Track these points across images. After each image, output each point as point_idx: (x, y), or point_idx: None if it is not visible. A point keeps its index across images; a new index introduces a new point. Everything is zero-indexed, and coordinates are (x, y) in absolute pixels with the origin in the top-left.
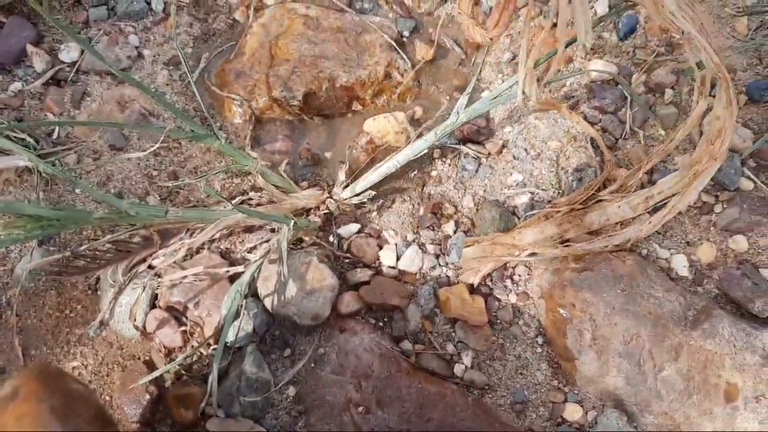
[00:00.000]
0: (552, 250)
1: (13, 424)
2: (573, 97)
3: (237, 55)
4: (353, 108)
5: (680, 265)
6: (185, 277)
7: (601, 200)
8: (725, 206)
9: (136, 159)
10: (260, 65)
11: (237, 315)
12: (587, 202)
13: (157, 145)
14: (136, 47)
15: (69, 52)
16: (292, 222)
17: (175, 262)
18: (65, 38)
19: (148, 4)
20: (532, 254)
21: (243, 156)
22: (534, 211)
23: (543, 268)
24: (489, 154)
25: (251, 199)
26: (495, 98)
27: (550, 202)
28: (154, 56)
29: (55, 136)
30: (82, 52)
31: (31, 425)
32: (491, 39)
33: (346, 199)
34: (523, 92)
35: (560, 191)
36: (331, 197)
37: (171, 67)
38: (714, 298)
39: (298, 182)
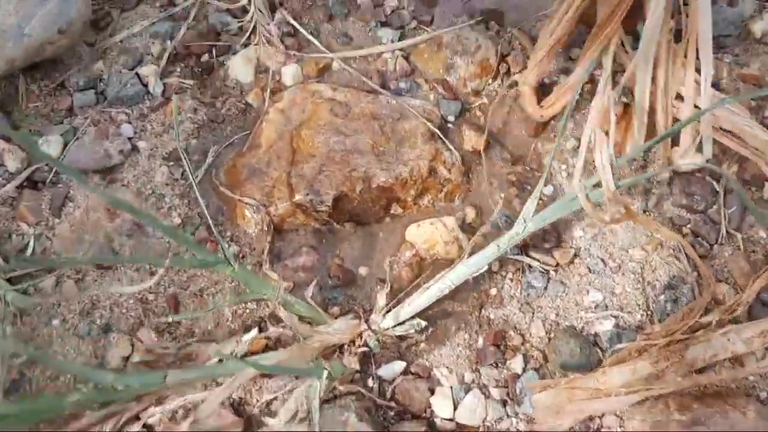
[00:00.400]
0: (644, 391)
1: None
2: (653, 192)
3: (251, 148)
4: (392, 211)
5: None
6: None
7: (704, 328)
8: None
9: (128, 280)
10: (279, 161)
11: None
12: (688, 334)
13: (153, 282)
14: (130, 138)
15: (49, 147)
16: (325, 373)
17: (174, 419)
18: (45, 129)
19: (145, 86)
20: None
21: (260, 281)
22: (621, 345)
23: (639, 420)
24: (558, 265)
25: (269, 332)
26: (571, 201)
27: (639, 329)
28: (152, 149)
29: (29, 251)
30: (65, 146)
31: None
32: (541, 116)
33: (387, 329)
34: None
35: (650, 314)
36: (369, 328)
37: (171, 163)
38: None
39: (328, 307)
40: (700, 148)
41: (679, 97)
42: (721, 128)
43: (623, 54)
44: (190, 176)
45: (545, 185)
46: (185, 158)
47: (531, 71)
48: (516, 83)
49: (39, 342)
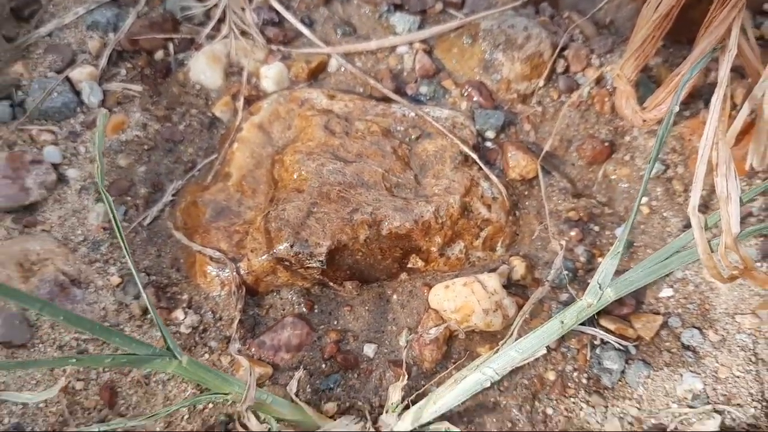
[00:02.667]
0: None
1: None
2: (760, 236)
3: (217, 178)
4: (410, 266)
5: None
6: None
7: None
8: None
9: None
10: (255, 196)
11: None
12: None
13: (57, 389)
14: (56, 166)
15: None
16: None
17: None
18: None
19: (78, 94)
20: None
21: (221, 378)
22: None
23: None
24: (640, 338)
25: None
26: (666, 260)
27: (754, 428)
28: (85, 180)
29: None
30: None
31: None
32: (644, 121)
33: None
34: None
35: (766, 407)
36: None
37: (112, 198)
38: None
39: (321, 403)
40: None
41: None
42: None
43: (745, 44)
44: (116, 227)
45: (619, 224)
46: (108, 201)
47: (628, 61)
48: (598, 80)
49: None
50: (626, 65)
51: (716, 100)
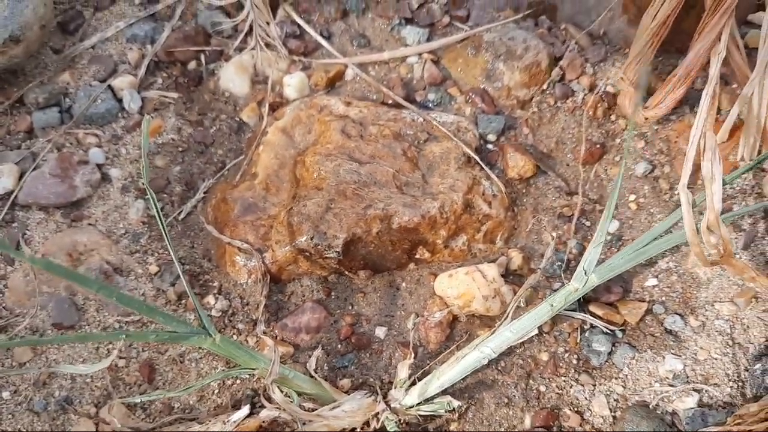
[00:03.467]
0: None
1: None
2: (742, 229)
3: (245, 177)
4: (418, 257)
5: None
6: None
7: None
8: None
9: (93, 343)
10: (279, 194)
11: None
12: None
13: (108, 362)
14: (100, 166)
15: (0, 179)
16: None
17: None
18: None
19: (119, 101)
20: None
21: (249, 354)
22: (708, 429)
23: None
24: (626, 324)
25: (262, 413)
26: (647, 245)
27: (730, 406)
28: (126, 179)
29: None
30: (20, 176)
31: None
32: (646, 119)
33: (411, 407)
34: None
35: (741, 387)
36: (388, 406)
37: (149, 196)
38: None
39: (337, 379)
40: None
41: None
42: None
43: (734, 48)
44: (159, 220)
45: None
46: (152, 196)
47: (630, 65)
48: (591, 87)
49: None
50: (628, 69)
51: (707, 94)
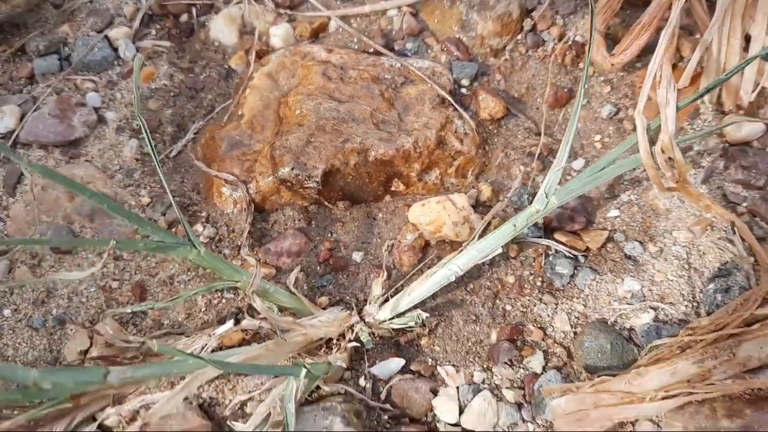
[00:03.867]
0: (686, 395)
1: None
2: (701, 166)
3: (232, 118)
4: (393, 189)
5: None
6: None
7: (761, 324)
8: None
9: (88, 265)
10: (263, 132)
11: None
12: (740, 326)
13: (98, 267)
14: (97, 109)
15: (3, 119)
16: (304, 372)
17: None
18: (1, 99)
19: (115, 50)
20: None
21: (231, 267)
22: (661, 341)
23: (680, 427)
24: (588, 250)
25: (245, 324)
26: (603, 169)
27: (683, 323)
28: (121, 120)
29: None
30: (21, 117)
31: None
32: (612, 65)
33: (383, 321)
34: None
35: (696, 306)
36: (362, 320)
37: (142, 135)
38: None
39: (316, 297)
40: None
41: (748, 37)
42: None
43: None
44: (151, 152)
45: (575, 158)
46: (144, 128)
47: (598, 15)
48: (561, 37)
49: None
50: (597, 19)
51: (666, 32)
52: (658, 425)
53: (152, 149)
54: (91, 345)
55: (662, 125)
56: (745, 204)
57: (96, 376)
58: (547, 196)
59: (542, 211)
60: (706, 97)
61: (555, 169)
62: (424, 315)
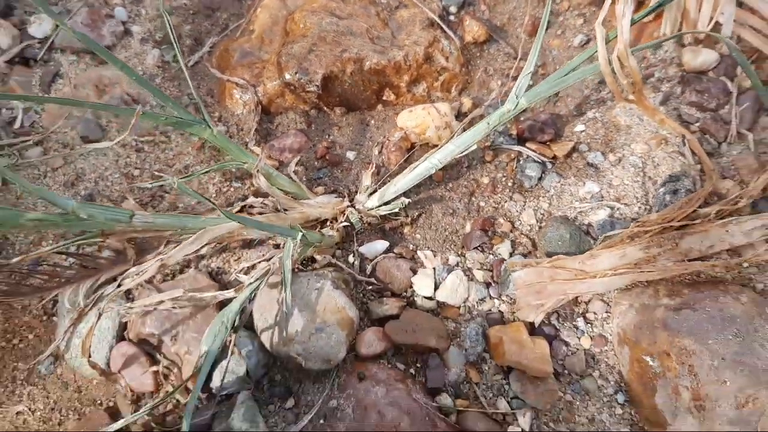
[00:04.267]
0: (633, 274)
1: None
2: (661, 90)
3: (244, 33)
4: (385, 98)
5: None
6: (162, 302)
7: (703, 220)
8: None
9: (114, 155)
10: (272, 44)
11: (224, 353)
12: (685, 222)
13: (119, 139)
14: (123, 22)
15: (40, 26)
16: (300, 235)
17: (150, 283)
18: (38, 9)
19: None
20: (608, 276)
21: (241, 151)
22: (614, 231)
23: (627, 304)
24: (555, 157)
25: (252, 206)
26: (566, 75)
27: (635, 220)
28: (145, 33)
29: (17, 124)
30: (56, 26)
31: None
32: None
33: (371, 208)
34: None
35: (648, 207)
36: (352, 206)
37: (164, 46)
38: None
39: (313, 187)
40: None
41: None
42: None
43: None
44: (177, 51)
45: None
46: (174, 37)
47: None
48: None
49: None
50: None
51: None
52: (608, 304)
53: (177, 47)
54: None
55: (618, 35)
56: (697, 124)
57: (124, 216)
58: (517, 98)
59: (513, 111)
60: (667, 30)
61: (524, 74)
62: (407, 200)
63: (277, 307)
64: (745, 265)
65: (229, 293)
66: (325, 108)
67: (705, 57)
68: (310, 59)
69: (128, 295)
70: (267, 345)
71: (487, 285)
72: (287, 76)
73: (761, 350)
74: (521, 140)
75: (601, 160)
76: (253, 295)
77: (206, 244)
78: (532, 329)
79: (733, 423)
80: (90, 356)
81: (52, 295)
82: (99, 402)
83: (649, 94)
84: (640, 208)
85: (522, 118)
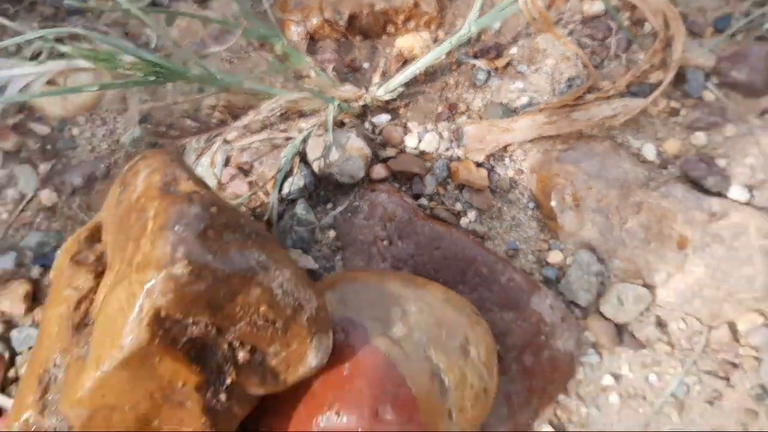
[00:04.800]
0: (540, 129)
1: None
2: (569, 29)
3: None
4: (388, 30)
5: (649, 152)
6: (252, 143)
7: (586, 102)
8: (689, 110)
9: (215, 66)
10: None
11: (291, 172)
12: (575, 103)
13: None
14: None
15: None
16: (337, 103)
17: (245, 130)
18: None
19: None
20: (525, 130)
21: (300, 57)
22: (530, 108)
23: (536, 150)
24: (497, 68)
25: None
26: (502, 11)
27: (548, 90)
28: None
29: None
30: None
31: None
32: None
33: (379, 96)
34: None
35: (554, 96)
36: (367, 93)
37: None
38: (675, 178)
39: (342, 83)
40: None
41: None
42: None
43: None
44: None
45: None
46: None
47: None
48: None
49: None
50: None
51: None
52: (525, 151)
53: None
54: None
55: None
56: (589, 48)
57: (240, 79)
58: (470, 26)
59: (467, 34)
60: None
61: (474, 10)
62: (402, 89)
63: (323, 145)
64: (607, 126)
65: (294, 134)
66: (349, 36)
67: (597, 7)
68: (341, 4)
69: (228, 143)
70: (316, 170)
71: (450, 141)
72: (326, 15)
73: (612, 170)
74: (475, 57)
75: (526, 69)
76: (308, 135)
77: (278, 111)
78: (478, 165)
79: (595, 211)
80: (215, 168)
81: (182, 143)
82: None
83: (559, 30)
84: (548, 96)
85: (476, 45)
